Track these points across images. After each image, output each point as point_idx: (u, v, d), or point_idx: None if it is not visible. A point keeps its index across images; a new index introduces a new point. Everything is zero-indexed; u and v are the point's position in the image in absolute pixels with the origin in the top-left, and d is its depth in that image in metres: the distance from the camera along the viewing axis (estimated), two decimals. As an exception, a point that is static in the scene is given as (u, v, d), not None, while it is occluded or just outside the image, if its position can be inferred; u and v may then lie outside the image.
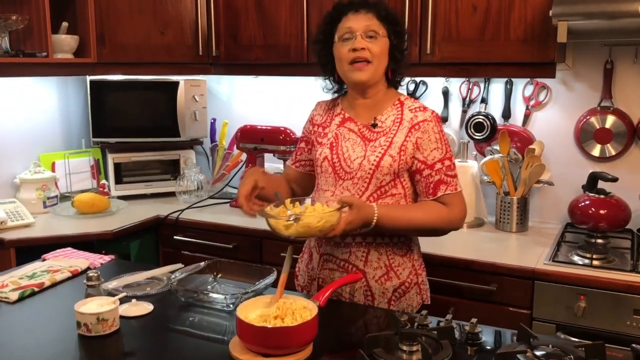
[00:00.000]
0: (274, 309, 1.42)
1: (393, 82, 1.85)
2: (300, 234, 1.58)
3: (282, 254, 2.01)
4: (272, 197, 1.72)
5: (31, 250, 2.28)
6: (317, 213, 1.60)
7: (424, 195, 1.78)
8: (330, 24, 1.80)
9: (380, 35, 1.74)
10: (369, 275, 1.79)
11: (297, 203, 1.70)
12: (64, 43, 2.69)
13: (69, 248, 2.16)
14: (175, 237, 2.69)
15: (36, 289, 1.76)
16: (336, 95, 1.92)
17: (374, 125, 1.79)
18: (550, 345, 1.34)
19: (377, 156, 1.74)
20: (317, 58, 1.86)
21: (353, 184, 1.77)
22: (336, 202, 1.64)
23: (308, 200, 1.76)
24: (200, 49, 2.84)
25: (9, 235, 2.41)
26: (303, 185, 1.98)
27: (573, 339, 1.96)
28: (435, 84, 2.79)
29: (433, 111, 1.79)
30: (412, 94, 2.81)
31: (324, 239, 1.80)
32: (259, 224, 2.02)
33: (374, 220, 1.65)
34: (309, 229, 1.57)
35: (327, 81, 1.89)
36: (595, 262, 2.10)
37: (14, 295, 1.70)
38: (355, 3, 1.76)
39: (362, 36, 1.72)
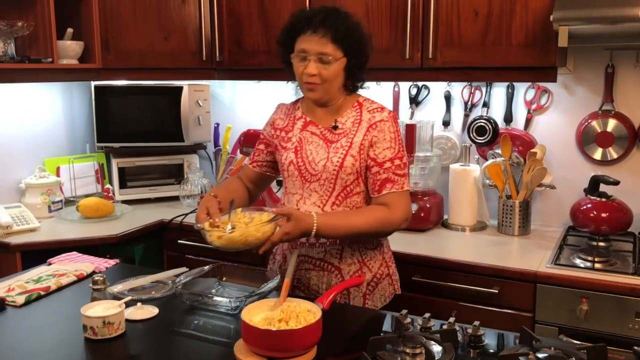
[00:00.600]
0: (278, 312, 1.43)
1: (354, 88, 1.87)
2: (224, 245, 1.66)
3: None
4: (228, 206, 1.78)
5: (36, 254, 2.30)
6: (242, 228, 1.65)
7: (370, 192, 1.83)
8: (288, 37, 1.80)
9: (334, 59, 1.73)
10: (344, 271, 1.85)
11: (247, 212, 1.74)
12: (69, 49, 2.71)
13: (75, 252, 2.17)
14: (179, 240, 2.71)
15: (42, 293, 1.77)
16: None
17: (335, 128, 1.84)
18: (552, 348, 1.35)
19: (339, 157, 1.80)
20: (283, 64, 1.88)
21: (320, 185, 1.82)
22: (272, 213, 1.70)
23: (255, 213, 1.75)
24: (204, 54, 2.86)
25: (15, 240, 2.43)
26: (259, 184, 2.05)
27: (575, 341, 1.98)
28: (437, 89, 2.81)
29: (390, 111, 1.84)
30: (414, 99, 2.83)
31: (297, 241, 1.84)
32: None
33: (313, 230, 1.69)
34: (232, 242, 1.64)
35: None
36: (597, 265, 2.10)
37: (21, 299, 1.71)
38: (314, 21, 1.73)
39: (315, 60, 1.73)
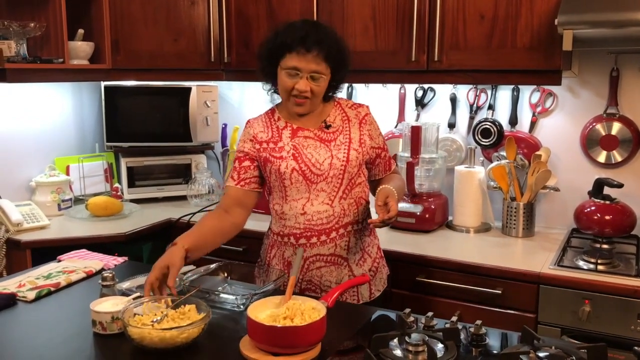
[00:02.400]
0: (283, 309, 1.46)
1: (332, 95, 1.94)
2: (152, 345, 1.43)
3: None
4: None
5: (46, 251, 2.34)
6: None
7: (382, 174, 2.01)
8: (276, 53, 1.80)
9: (324, 75, 1.80)
10: (351, 260, 1.92)
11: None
12: (80, 49, 2.75)
13: (84, 250, 2.21)
14: (186, 240, 2.73)
15: (52, 289, 1.81)
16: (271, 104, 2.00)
17: (328, 127, 1.90)
18: (553, 347, 1.36)
19: (344, 152, 1.87)
20: (260, 71, 1.90)
21: (327, 183, 1.86)
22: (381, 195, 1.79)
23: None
24: (212, 55, 2.89)
25: (25, 237, 2.47)
26: (246, 205, 1.94)
27: (576, 342, 1.99)
28: (443, 91, 2.83)
29: (367, 105, 1.98)
30: (420, 101, 2.85)
31: (307, 244, 1.86)
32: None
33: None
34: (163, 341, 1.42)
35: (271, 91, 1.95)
36: (600, 267, 2.12)
37: (32, 295, 1.75)
38: (308, 41, 1.75)
39: (307, 78, 1.78)
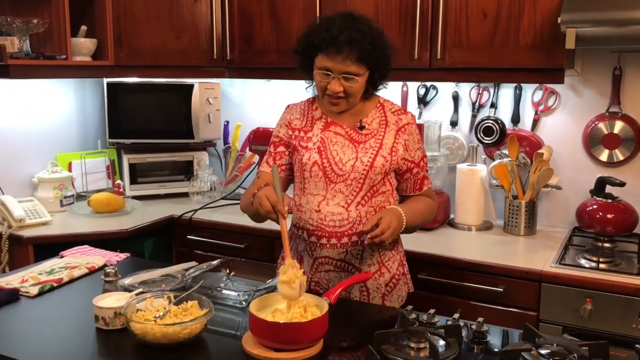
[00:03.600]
0: (283, 276, 1.46)
1: (374, 91, 1.86)
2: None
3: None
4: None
5: (48, 247, 2.35)
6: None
7: (410, 191, 1.91)
8: (308, 51, 1.75)
9: (358, 75, 1.71)
10: (364, 271, 1.84)
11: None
12: (83, 46, 2.75)
13: (86, 246, 2.21)
14: (188, 236, 2.74)
15: (55, 285, 1.81)
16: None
17: (362, 128, 1.83)
18: (554, 345, 1.37)
19: (370, 157, 1.80)
20: (299, 67, 1.84)
21: (346, 185, 1.80)
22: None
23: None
24: (215, 53, 2.89)
25: (28, 233, 2.48)
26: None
27: (578, 340, 1.99)
28: (445, 89, 2.83)
29: (412, 114, 1.89)
30: (422, 99, 2.85)
31: (317, 243, 1.83)
32: (271, 224, 2.06)
33: (404, 217, 1.74)
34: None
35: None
36: (602, 266, 2.12)
37: (34, 290, 1.75)
38: (338, 41, 1.67)
39: (338, 78, 1.71)
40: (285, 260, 1.54)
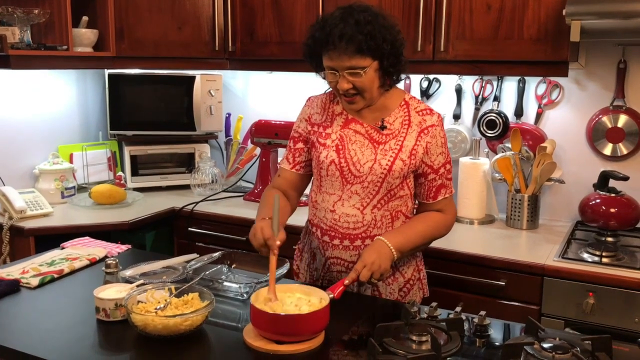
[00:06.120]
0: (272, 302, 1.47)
1: (392, 83, 1.77)
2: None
3: (293, 247, 2.04)
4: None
5: (49, 238, 2.35)
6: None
7: (423, 198, 1.82)
8: (314, 52, 1.70)
9: (365, 68, 1.63)
10: None
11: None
12: (84, 37, 2.74)
13: (87, 237, 2.21)
14: (189, 228, 2.74)
15: (56, 276, 1.81)
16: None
17: (383, 128, 1.76)
18: (557, 338, 1.36)
19: (389, 160, 1.72)
20: (314, 70, 1.79)
21: (363, 187, 1.74)
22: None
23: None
24: (217, 44, 2.88)
25: (29, 224, 2.47)
26: (300, 188, 1.92)
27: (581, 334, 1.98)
28: (448, 82, 2.81)
29: (439, 114, 1.79)
30: (425, 91, 2.84)
31: (330, 243, 1.80)
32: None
33: (394, 252, 1.67)
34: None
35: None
36: (604, 260, 2.11)
37: (35, 281, 1.75)
38: (332, 37, 1.61)
39: (345, 75, 1.65)
40: (269, 294, 1.49)
